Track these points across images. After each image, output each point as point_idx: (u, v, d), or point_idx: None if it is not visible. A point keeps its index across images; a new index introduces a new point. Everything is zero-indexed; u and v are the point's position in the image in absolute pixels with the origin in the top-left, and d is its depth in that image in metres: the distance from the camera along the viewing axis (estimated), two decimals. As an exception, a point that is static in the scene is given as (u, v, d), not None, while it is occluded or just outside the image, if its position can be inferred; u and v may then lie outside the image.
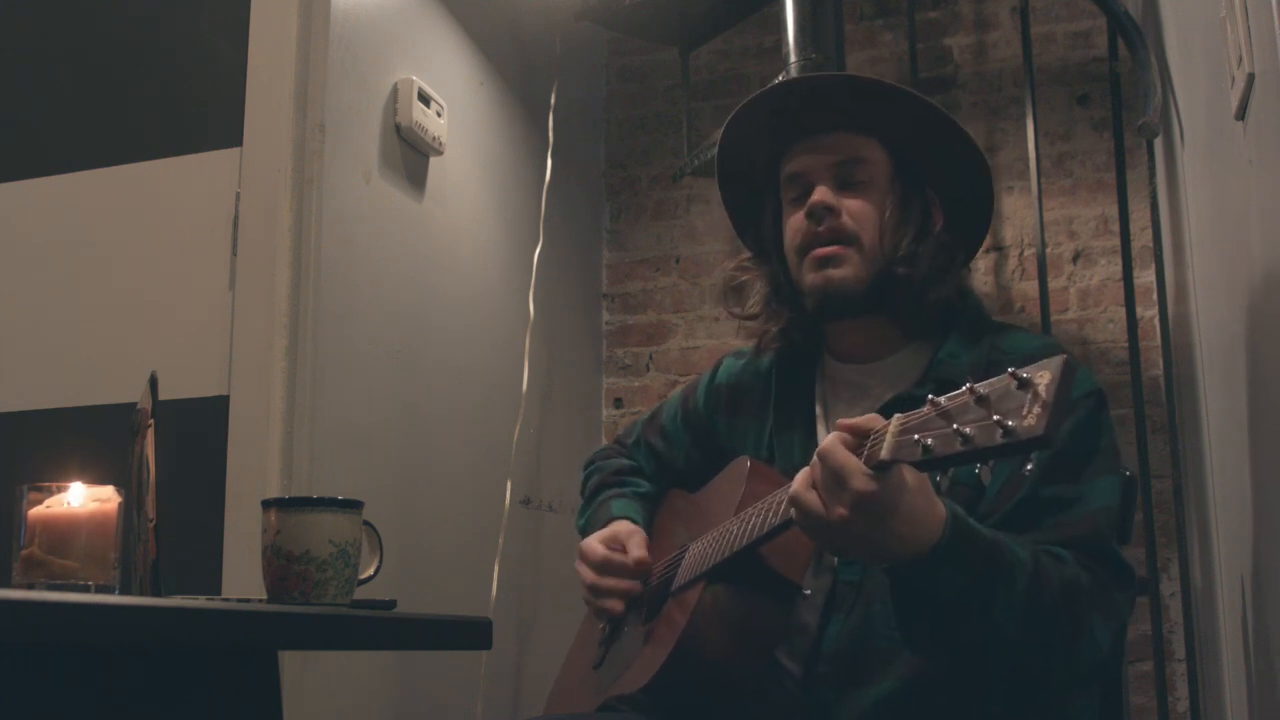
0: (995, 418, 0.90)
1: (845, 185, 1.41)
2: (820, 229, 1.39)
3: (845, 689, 1.30)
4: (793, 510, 1.10)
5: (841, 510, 1.04)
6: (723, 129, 1.52)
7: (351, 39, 2.15)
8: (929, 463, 0.97)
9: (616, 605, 1.48)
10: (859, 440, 1.06)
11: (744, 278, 1.54)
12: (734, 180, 1.56)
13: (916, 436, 0.97)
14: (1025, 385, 0.90)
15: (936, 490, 1.08)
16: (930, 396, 0.98)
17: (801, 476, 1.09)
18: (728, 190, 1.58)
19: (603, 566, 1.49)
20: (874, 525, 1.04)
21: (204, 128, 2.15)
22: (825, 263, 1.39)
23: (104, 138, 2.24)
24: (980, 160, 1.43)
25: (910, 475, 1.05)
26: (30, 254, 2.24)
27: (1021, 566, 1.13)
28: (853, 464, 1.03)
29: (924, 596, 1.12)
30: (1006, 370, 0.92)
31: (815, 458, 1.07)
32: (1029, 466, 0.92)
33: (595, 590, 1.50)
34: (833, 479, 1.04)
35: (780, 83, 1.47)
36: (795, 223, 1.44)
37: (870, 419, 1.06)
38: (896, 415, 1.02)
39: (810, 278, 1.41)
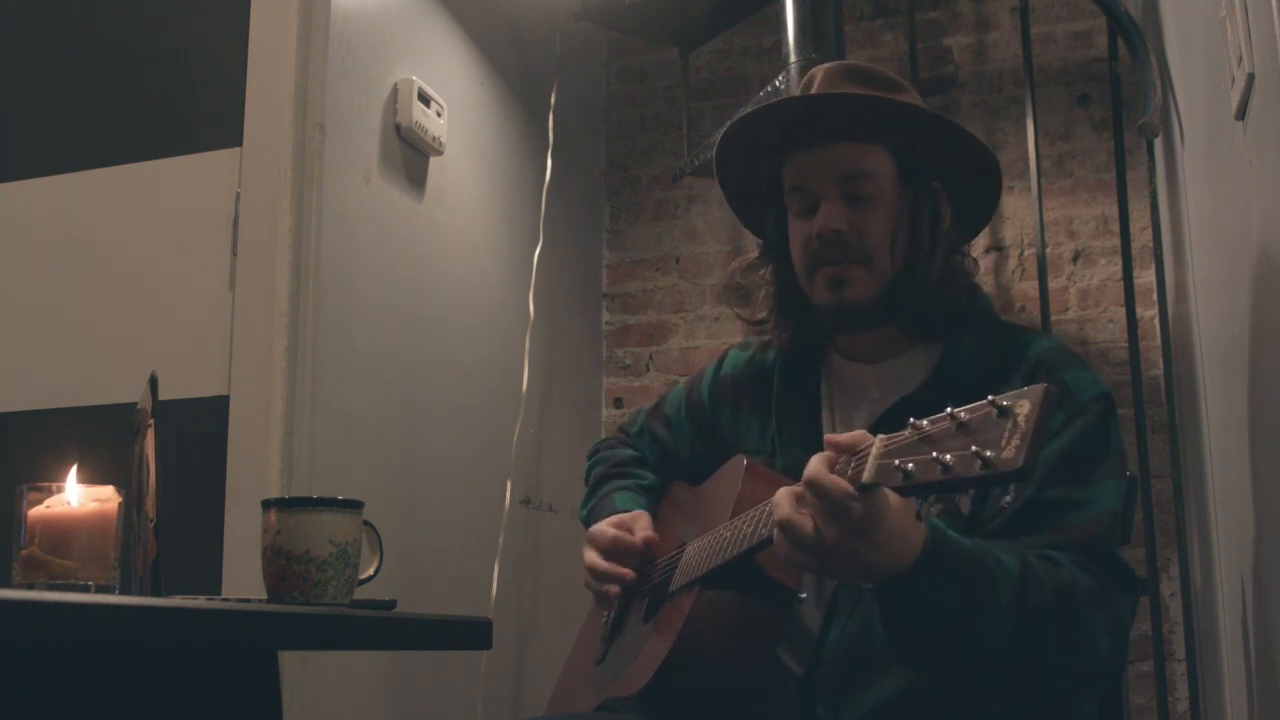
0: (974, 448, 0.90)
1: (852, 200, 1.39)
2: (830, 250, 1.38)
3: (846, 692, 1.30)
4: (781, 533, 1.07)
5: (831, 533, 1.03)
6: (715, 146, 1.50)
7: (351, 39, 2.15)
8: (909, 489, 0.97)
9: (614, 589, 1.48)
10: (845, 458, 1.05)
11: (747, 280, 1.53)
12: (735, 188, 1.55)
13: (898, 461, 0.97)
14: (1005, 414, 0.90)
15: (918, 516, 1.08)
16: (911, 420, 0.98)
17: (788, 499, 1.07)
18: (731, 197, 1.57)
19: (610, 550, 1.50)
20: (860, 542, 1.03)
21: (204, 128, 2.15)
22: (838, 283, 1.38)
23: (104, 138, 2.24)
24: (982, 148, 1.42)
25: (892, 494, 1.04)
26: (30, 254, 2.24)
27: (1008, 574, 1.12)
28: (842, 488, 1.02)
29: (908, 612, 1.11)
30: (987, 398, 0.92)
31: (804, 484, 1.04)
32: (1007, 498, 0.91)
33: (596, 573, 1.51)
34: (825, 504, 1.03)
35: (776, 102, 1.44)
36: (802, 236, 1.42)
37: (857, 436, 1.05)
38: (880, 436, 1.02)
39: (822, 295, 1.40)
